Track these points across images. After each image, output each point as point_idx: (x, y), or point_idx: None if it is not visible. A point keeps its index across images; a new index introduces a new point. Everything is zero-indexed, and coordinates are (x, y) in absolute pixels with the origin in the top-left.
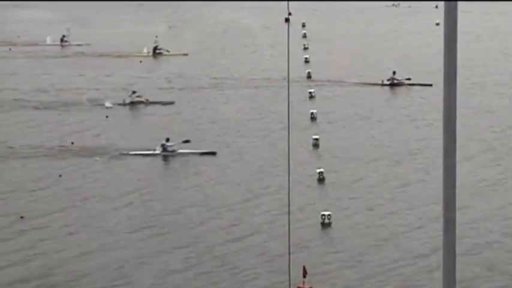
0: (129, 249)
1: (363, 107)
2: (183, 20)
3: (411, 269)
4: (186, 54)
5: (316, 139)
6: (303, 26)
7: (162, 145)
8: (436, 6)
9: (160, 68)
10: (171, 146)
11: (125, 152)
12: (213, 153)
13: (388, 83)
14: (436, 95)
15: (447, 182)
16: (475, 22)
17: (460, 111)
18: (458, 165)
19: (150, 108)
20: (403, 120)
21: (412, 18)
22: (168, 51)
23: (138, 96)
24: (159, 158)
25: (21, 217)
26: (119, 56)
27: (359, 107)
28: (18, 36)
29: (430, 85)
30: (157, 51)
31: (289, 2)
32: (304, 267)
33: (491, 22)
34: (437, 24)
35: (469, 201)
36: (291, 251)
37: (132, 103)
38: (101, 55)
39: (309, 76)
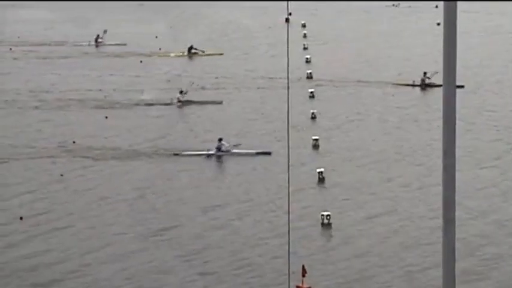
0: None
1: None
2: (188, 19)
3: (411, 269)
4: (222, 54)
5: (316, 139)
6: (303, 26)
7: (218, 145)
8: (436, 6)
9: (201, 68)
10: (225, 145)
11: (178, 152)
12: (268, 153)
13: (419, 83)
14: (471, 96)
15: (447, 183)
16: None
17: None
18: None
19: (199, 107)
20: (408, 120)
21: (412, 18)
22: (203, 51)
23: (185, 93)
24: (214, 158)
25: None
26: (160, 56)
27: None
28: (18, 37)
29: (462, 86)
30: (193, 50)
31: (289, 2)
32: (303, 266)
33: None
34: (438, 24)
35: None
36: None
37: (180, 102)
38: (139, 54)
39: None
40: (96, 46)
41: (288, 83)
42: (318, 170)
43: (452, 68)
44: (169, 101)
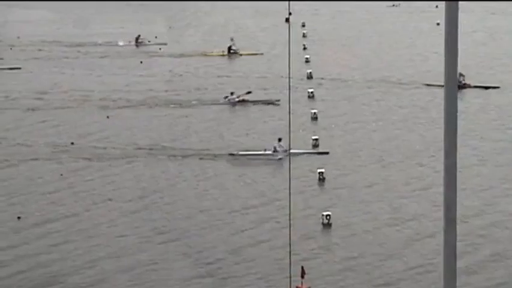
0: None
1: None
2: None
3: (411, 269)
4: (262, 54)
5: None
6: (303, 25)
7: (275, 146)
8: (437, 6)
9: (246, 67)
10: (282, 146)
11: (235, 153)
12: (326, 153)
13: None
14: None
15: (448, 183)
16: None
17: None
18: None
19: (255, 107)
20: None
21: (412, 18)
22: (239, 52)
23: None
24: (271, 158)
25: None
26: (204, 55)
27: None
28: (18, 37)
29: (498, 87)
30: (232, 50)
31: (290, 2)
32: (302, 267)
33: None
34: (438, 24)
35: None
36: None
37: (230, 101)
38: (181, 55)
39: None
40: (137, 46)
41: (288, 83)
42: (319, 171)
43: (453, 68)
44: (221, 101)
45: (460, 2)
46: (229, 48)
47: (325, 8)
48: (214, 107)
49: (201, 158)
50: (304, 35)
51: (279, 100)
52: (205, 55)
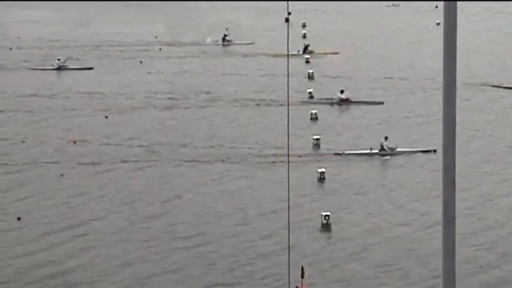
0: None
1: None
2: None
3: (411, 268)
4: (337, 53)
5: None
6: (303, 26)
7: (382, 144)
8: (436, 6)
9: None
10: (387, 145)
11: (340, 152)
12: (434, 151)
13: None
14: None
15: (446, 182)
16: None
17: None
18: None
19: (359, 107)
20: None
21: (412, 17)
22: (310, 50)
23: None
24: (377, 157)
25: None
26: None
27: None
28: (18, 37)
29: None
30: (307, 50)
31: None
32: (302, 267)
33: None
34: (438, 24)
35: None
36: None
37: (338, 101)
38: (266, 55)
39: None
40: (224, 45)
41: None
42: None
43: (453, 68)
44: (327, 100)
45: (459, 2)
46: (305, 48)
47: (325, 7)
48: (317, 106)
49: (311, 156)
50: (304, 36)
51: (382, 102)
52: (277, 56)
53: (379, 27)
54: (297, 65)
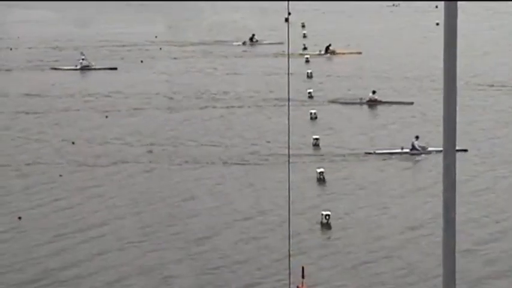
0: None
1: None
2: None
3: (411, 269)
4: (360, 53)
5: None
6: (303, 26)
7: (413, 143)
8: (436, 6)
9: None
10: (417, 144)
11: (371, 152)
12: (465, 150)
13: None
14: None
15: (447, 183)
16: None
17: None
18: None
19: (388, 108)
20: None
21: (413, 17)
22: (332, 50)
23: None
24: (407, 157)
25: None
26: (300, 55)
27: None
28: (18, 37)
29: None
30: (329, 50)
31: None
32: (303, 267)
33: None
34: (437, 24)
35: None
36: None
37: (369, 101)
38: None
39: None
40: (251, 45)
41: (288, 80)
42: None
43: (453, 68)
44: (358, 100)
45: (459, 2)
46: (327, 48)
47: (325, 7)
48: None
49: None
50: (304, 35)
51: (412, 103)
52: (301, 55)
53: (385, 26)
54: (317, 64)
